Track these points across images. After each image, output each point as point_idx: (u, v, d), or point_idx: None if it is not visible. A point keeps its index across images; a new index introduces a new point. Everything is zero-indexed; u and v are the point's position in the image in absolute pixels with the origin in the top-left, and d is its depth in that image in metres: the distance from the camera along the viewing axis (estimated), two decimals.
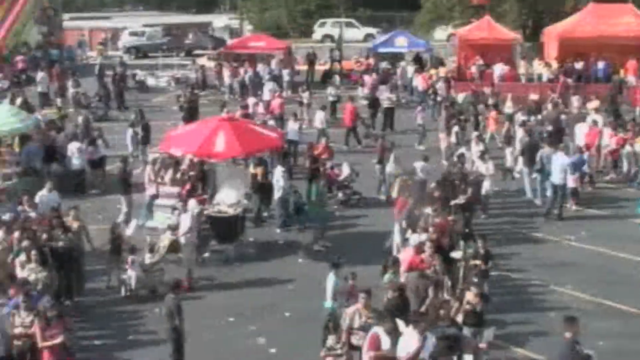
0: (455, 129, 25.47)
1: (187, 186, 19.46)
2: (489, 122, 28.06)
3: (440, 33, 53.02)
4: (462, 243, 15.99)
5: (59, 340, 12.26)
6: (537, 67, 38.26)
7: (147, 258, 16.74)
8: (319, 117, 27.67)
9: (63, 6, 55.40)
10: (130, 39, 54.27)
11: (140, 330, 15.13)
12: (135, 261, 16.29)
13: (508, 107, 29.55)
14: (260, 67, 38.61)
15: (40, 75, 35.80)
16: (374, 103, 31.06)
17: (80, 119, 27.40)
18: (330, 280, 13.91)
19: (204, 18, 68.83)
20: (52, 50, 46.06)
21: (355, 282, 13.68)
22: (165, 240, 17.60)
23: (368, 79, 35.24)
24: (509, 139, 24.92)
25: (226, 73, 38.52)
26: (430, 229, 16.05)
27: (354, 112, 28.66)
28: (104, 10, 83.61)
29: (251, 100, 30.59)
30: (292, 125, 26.02)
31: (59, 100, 32.79)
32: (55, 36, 49.72)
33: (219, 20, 64.02)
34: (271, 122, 26.44)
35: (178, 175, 20.06)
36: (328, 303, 13.81)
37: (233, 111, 25.80)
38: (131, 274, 16.24)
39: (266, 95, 32.64)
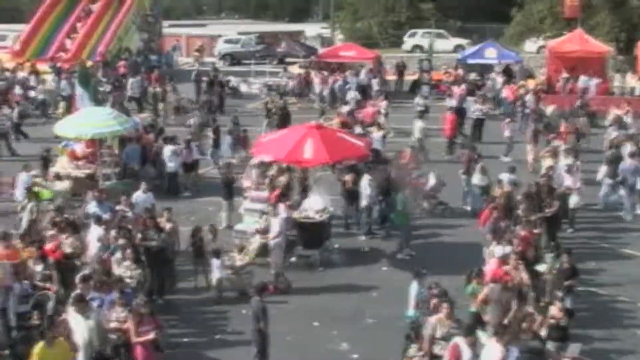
0: (554, 142, 24.87)
1: (277, 191, 19.57)
2: (562, 135, 27.25)
3: (531, 45, 52.23)
4: (548, 256, 15.71)
5: (151, 336, 12.51)
6: (630, 80, 37.21)
7: (237, 260, 16.93)
8: (418, 126, 27.61)
9: (163, 14, 56.53)
10: (226, 46, 55.09)
11: (227, 330, 15.32)
12: (215, 264, 16.49)
13: (608, 121, 28.88)
14: (349, 76, 38.69)
15: (131, 80, 36.54)
16: (460, 114, 30.74)
17: (192, 121, 28.24)
18: (413, 289, 13.84)
19: (296, 27, 69.35)
20: (151, 56, 47.09)
21: (437, 292, 13.57)
22: (255, 243, 17.77)
23: (456, 89, 34.90)
24: (576, 153, 24.05)
25: (316, 81, 38.73)
26: (515, 241, 15.81)
27: (455, 122, 28.50)
28: (201, 18, 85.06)
29: (345, 109, 30.73)
30: (376, 135, 26.01)
31: (161, 105, 33.64)
32: (155, 42, 50.80)
33: (311, 30, 64.38)
34: (358, 130, 26.44)
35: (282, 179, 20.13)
36: (410, 312, 13.74)
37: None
38: (215, 277, 16.48)
39: (350, 104, 32.81)
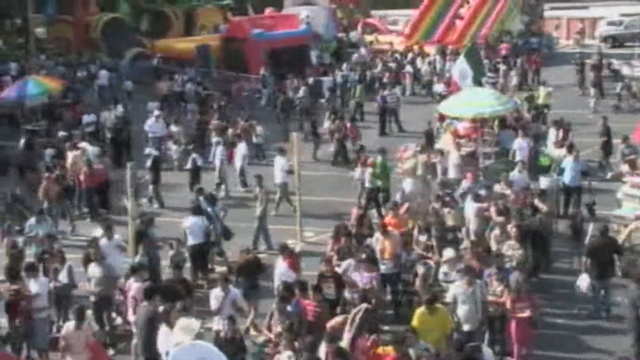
0: None
1: None
2: None
3: None
4: None
5: (527, 314, 12.34)
6: None
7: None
8: None
9: None
10: (608, 28, 52.58)
11: (603, 315, 14.58)
12: None
13: None
14: None
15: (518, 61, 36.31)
16: None
17: None
18: None
19: None
20: (532, 39, 46.29)
21: None
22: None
23: None
24: None
25: None
26: None
27: None
28: (583, 0, 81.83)
29: None
30: None
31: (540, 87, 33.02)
32: (535, 25, 49.84)
33: None
34: None
35: None
36: None
37: None
38: None
39: None
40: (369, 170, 20.22)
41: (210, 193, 18.90)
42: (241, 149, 23.42)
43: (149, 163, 22.32)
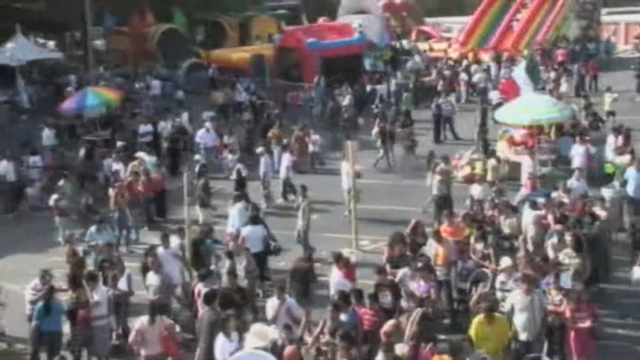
0: None
1: None
2: None
3: None
4: None
5: (587, 324, 12.12)
6: None
7: None
8: None
9: (602, 0, 54.33)
10: None
11: None
12: None
13: None
14: None
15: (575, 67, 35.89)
16: None
17: None
18: None
19: None
20: (589, 44, 45.60)
21: None
22: None
23: None
24: None
25: None
26: None
27: None
28: None
29: None
30: None
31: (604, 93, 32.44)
32: (593, 30, 49.07)
33: None
34: None
35: None
36: None
37: None
38: None
39: None
40: (437, 177, 19.94)
41: (254, 202, 19.01)
42: (285, 159, 23.12)
43: (196, 170, 22.65)
